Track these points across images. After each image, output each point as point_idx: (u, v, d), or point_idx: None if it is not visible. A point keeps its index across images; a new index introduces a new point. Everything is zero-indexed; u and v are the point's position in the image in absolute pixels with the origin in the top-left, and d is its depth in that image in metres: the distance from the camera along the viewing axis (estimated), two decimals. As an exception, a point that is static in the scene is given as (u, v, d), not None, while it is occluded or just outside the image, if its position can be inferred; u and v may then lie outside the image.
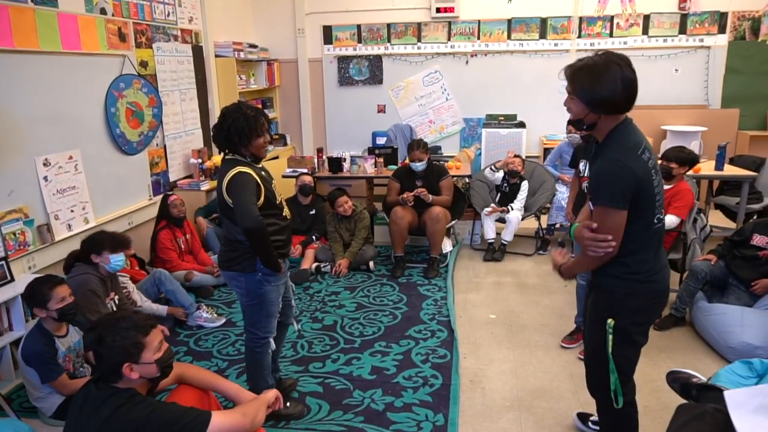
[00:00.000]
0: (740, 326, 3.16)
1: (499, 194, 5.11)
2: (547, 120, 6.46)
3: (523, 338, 3.51)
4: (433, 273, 4.51)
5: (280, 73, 6.98)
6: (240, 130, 2.40)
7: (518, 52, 6.50)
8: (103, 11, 4.18)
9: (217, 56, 5.82)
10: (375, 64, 6.78)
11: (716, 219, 5.38)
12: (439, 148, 6.78)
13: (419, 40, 6.63)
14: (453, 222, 4.85)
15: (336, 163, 5.36)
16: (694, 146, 5.53)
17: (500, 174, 5.02)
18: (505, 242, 4.94)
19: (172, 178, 5.10)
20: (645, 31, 6.21)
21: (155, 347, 1.81)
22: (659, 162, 3.73)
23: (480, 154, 6.38)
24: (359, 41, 6.75)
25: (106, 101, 4.19)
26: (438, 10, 6.41)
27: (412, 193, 4.60)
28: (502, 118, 6.32)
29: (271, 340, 2.67)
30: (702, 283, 3.51)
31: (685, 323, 3.62)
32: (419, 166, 4.64)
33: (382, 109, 6.91)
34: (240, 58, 6.02)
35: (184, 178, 5.25)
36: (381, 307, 3.96)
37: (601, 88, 1.78)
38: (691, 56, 6.22)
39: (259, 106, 6.68)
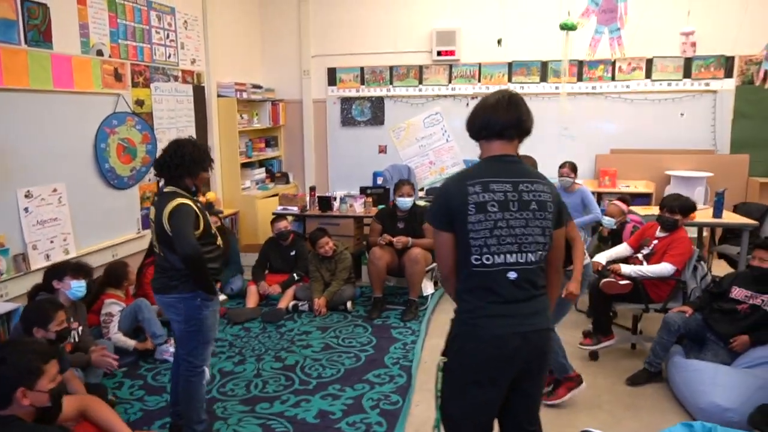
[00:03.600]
0: (711, 385, 2.94)
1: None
2: (544, 162, 6.28)
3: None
4: (409, 316, 4.41)
5: (285, 112, 7.14)
6: (197, 159, 2.62)
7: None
8: (99, 53, 4.39)
9: (219, 96, 6.01)
10: (377, 105, 6.87)
11: (719, 268, 5.10)
12: (440, 189, 6.73)
13: (420, 83, 6.69)
14: (434, 264, 4.76)
15: (325, 202, 5.38)
16: (698, 192, 5.32)
17: None
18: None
19: (163, 212, 5.20)
20: (648, 75, 6.11)
21: (52, 376, 1.82)
22: (662, 213, 3.65)
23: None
24: (362, 83, 6.87)
25: (97, 137, 4.35)
26: (439, 53, 6.48)
27: (389, 238, 4.57)
28: (501, 160, 6.24)
29: (206, 369, 2.69)
30: (675, 336, 3.31)
31: (661, 379, 3.40)
32: (407, 202, 4.61)
33: (383, 150, 6.95)
34: (242, 98, 6.19)
35: (177, 213, 5.35)
36: (347, 349, 3.88)
37: None
38: (696, 100, 6.06)
39: (263, 144, 6.84)
